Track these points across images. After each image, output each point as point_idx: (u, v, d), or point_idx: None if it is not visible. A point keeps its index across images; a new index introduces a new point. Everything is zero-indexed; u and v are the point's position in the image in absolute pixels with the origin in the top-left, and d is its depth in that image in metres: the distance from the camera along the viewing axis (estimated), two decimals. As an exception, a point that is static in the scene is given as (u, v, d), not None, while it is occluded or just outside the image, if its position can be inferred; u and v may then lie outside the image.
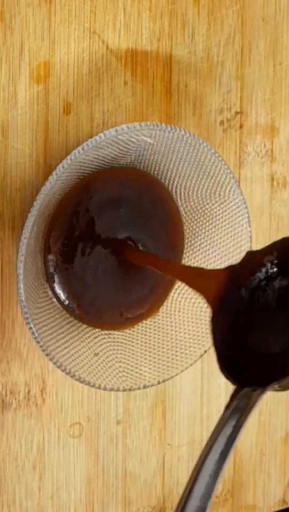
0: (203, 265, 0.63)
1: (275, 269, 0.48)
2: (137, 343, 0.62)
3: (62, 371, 0.55)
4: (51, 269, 0.58)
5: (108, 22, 0.59)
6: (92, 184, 0.59)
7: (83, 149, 0.52)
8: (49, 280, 0.59)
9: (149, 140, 0.57)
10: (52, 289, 0.59)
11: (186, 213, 0.63)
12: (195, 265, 0.63)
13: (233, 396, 0.43)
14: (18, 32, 0.56)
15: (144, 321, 0.63)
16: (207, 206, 0.62)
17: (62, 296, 0.59)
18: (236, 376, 0.45)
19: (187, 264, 0.63)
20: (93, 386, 0.56)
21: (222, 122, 0.65)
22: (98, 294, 0.61)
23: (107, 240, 0.60)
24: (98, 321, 0.61)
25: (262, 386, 0.43)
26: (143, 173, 0.62)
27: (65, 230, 0.58)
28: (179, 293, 0.64)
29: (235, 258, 0.60)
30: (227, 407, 0.42)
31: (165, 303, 0.64)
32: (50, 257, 0.58)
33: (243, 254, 0.55)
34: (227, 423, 0.41)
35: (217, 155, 0.58)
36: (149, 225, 0.62)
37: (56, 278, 0.59)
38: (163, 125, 0.55)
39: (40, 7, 0.56)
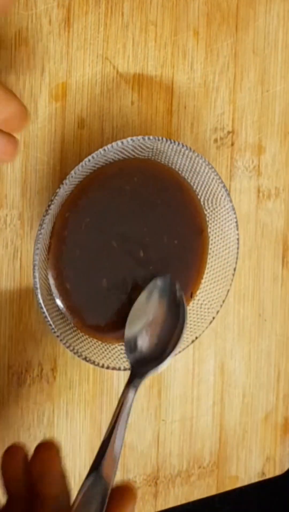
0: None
1: None
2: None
3: (71, 351, 0.54)
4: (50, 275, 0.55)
5: (118, 50, 0.59)
6: (94, 176, 0.55)
7: (93, 157, 0.52)
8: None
9: (151, 152, 0.56)
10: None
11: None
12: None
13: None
14: (40, 57, 0.55)
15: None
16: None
17: (63, 307, 0.55)
18: None
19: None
20: (98, 365, 0.55)
21: (215, 140, 0.64)
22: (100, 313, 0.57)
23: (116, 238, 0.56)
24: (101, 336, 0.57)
25: None
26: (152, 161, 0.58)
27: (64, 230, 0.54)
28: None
29: (224, 257, 0.59)
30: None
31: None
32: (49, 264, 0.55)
33: (231, 254, 0.54)
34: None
35: (210, 166, 0.57)
36: (170, 205, 0.58)
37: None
38: (164, 138, 0.54)
39: (59, 35, 0.56)
